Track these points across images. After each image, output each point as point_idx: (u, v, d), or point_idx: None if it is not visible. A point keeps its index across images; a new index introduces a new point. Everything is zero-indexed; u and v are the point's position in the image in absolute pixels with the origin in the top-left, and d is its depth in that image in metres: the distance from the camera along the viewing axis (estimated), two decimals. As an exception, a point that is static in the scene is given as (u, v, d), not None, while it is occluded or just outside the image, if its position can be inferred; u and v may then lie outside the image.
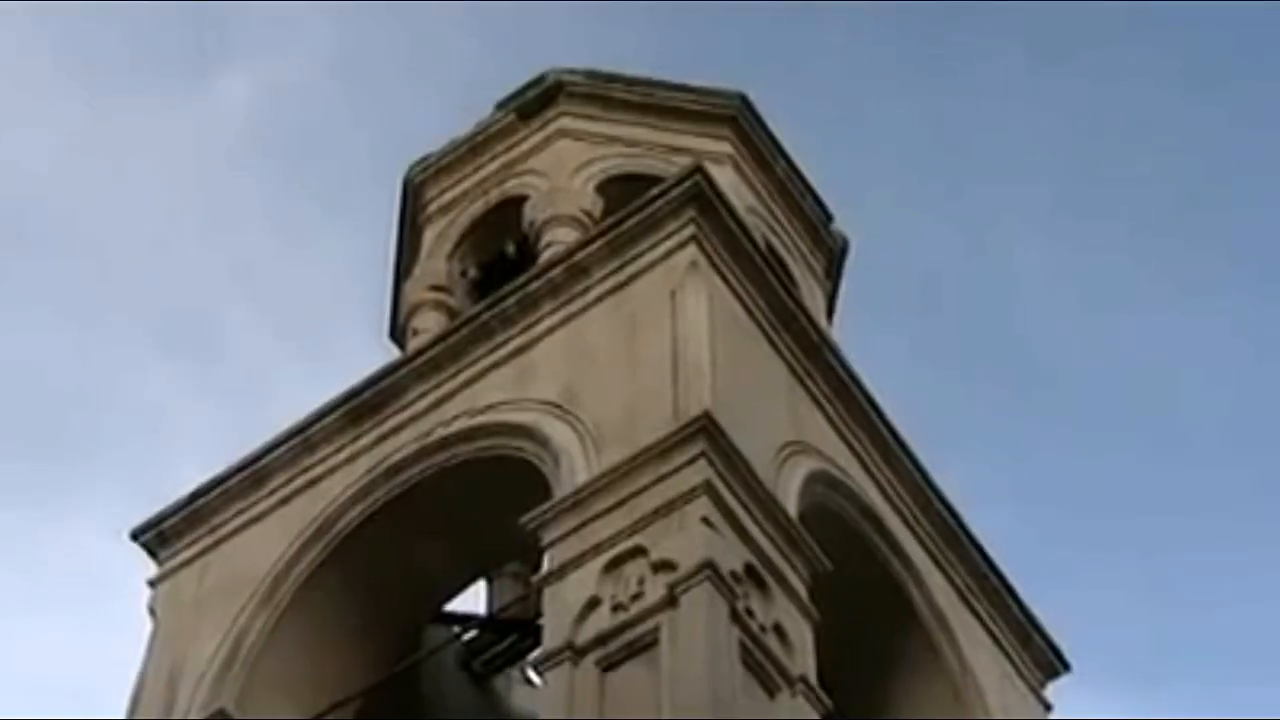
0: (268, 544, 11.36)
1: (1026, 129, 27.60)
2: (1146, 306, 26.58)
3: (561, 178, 13.37)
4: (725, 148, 13.62)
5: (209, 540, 11.78)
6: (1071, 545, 24.58)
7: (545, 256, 12.34)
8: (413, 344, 12.83)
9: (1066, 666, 12.18)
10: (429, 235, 13.97)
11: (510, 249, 13.45)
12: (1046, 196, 27.11)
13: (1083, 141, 27.56)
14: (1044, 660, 12.09)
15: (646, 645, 9.00)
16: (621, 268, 11.25)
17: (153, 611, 11.67)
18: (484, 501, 10.94)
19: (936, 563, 11.62)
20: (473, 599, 12.48)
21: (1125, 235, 27.13)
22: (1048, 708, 12.00)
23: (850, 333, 13.90)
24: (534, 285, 11.50)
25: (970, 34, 27.79)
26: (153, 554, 12.00)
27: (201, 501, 11.93)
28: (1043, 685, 12.10)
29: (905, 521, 11.56)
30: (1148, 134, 26.65)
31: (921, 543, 11.60)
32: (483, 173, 13.95)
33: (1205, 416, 25.99)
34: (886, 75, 28.07)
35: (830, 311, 14.01)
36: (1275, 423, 25.85)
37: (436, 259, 13.70)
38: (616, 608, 9.27)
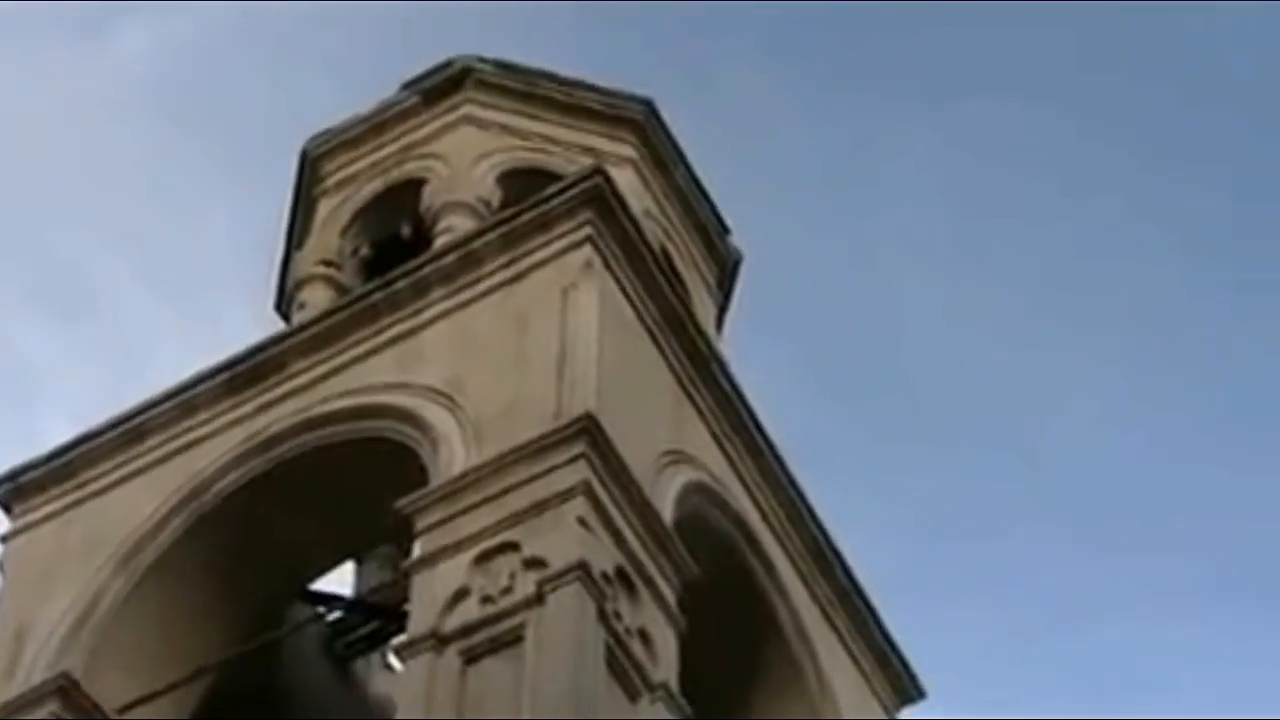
0: (135, 505, 11.20)
1: (926, 160, 27.93)
2: (1027, 341, 26.99)
3: (462, 164, 13.32)
4: (628, 151, 13.63)
5: (74, 497, 11.58)
6: (935, 571, 24.94)
7: (440, 242, 12.30)
8: (299, 317, 12.73)
9: (921, 693, 12.33)
10: (323, 209, 13.85)
11: (405, 231, 13.37)
12: (941, 227, 27.45)
13: (979, 175, 27.95)
14: (900, 684, 12.24)
15: (511, 640, 9.01)
16: (515, 261, 11.23)
17: (1, 567, 11.45)
18: (359, 482, 10.87)
19: (804, 580, 11.73)
20: (340, 580, 12.43)
21: (1014, 270, 27.55)
22: None
23: (738, 346, 14.00)
24: (426, 270, 11.46)
25: (877, 63, 28.07)
26: (7, 508, 11.77)
27: (68, 457, 11.73)
28: (897, 709, 12.26)
29: (776, 536, 11.66)
30: (1045, 169, 27.10)
31: (790, 559, 11.71)
32: (383, 152, 13.86)
33: (1074, 450, 26.48)
34: (794, 97, 28.27)
35: (720, 323, 14.08)
36: (1141, 453, 26.28)
37: (329, 234, 13.59)
38: (485, 600, 9.26)
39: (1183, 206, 26.84)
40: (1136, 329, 26.78)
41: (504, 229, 11.46)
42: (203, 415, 11.48)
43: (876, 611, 12.15)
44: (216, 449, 11.24)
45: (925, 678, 12.29)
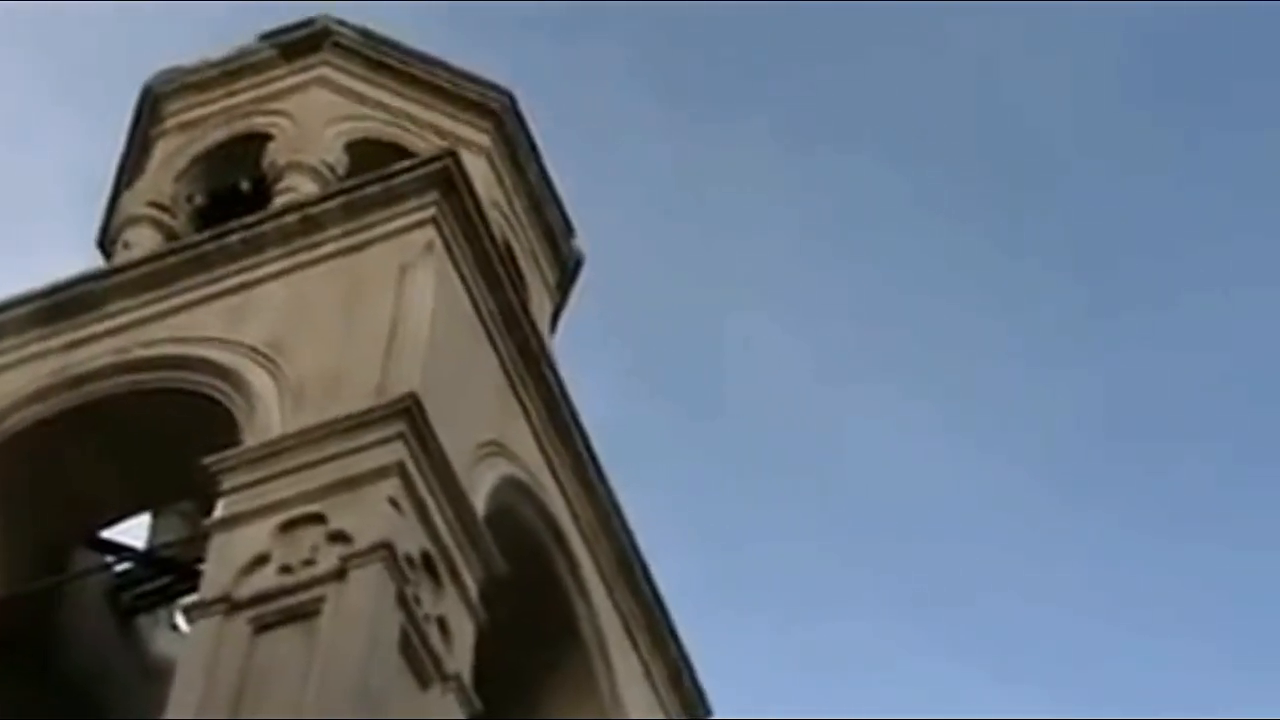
0: (-76, 429, 10.75)
1: (771, 190, 28.19)
2: (842, 369, 27.39)
3: (311, 126, 13.03)
4: (483, 140, 13.50)
5: None
6: (737, 596, 25.15)
7: (280, 201, 12.03)
8: (122, 256, 12.36)
9: (708, 712, 12.32)
10: (161, 150, 13.45)
11: (245, 185, 13.04)
12: (778, 254, 27.75)
13: (819, 208, 28.33)
14: (690, 703, 12.20)
15: (307, 613, 8.76)
16: (356, 231, 11.03)
17: None
18: (166, 433, 10.55)
19: (608, 588, 11.65)
20: (134, 532, 12.05)
21: (838, 301, 27.93)
22: None
23: (570, 348, 13.94)
24: (264, 227, 11.19)
25: (732, 91, 28.30)
26: None
27: None
28: (685, 728, 12.26)
29: (586, 541, 11.57)
30: (883, 211, 27.57)
31: (597, 565, 11.62)
32: (232, 101, 13.52)
33: (867, 481, 26.93)
34: (655, 112, 28.39)
35: (554, 323, 13.99)
36: (941, 490, 26.80)
37: (163, 176, 13.20)
38: (283, 570, 9.00)
39: (998, 247, 27.48)
40: (945, 365, 27.36)
41: (348, 197, 11.26)
42: (8, 343, 11.05)
43: (675, 628, 12.11)
44: (21, 378, 10.82)
45: (716, 694, 12.37)
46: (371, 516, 9.07)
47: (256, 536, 9.15)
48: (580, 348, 15.19)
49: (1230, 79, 27.08)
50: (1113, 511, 26.09)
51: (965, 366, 27.09)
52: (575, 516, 11.54)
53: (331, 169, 12.62)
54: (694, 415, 26.47)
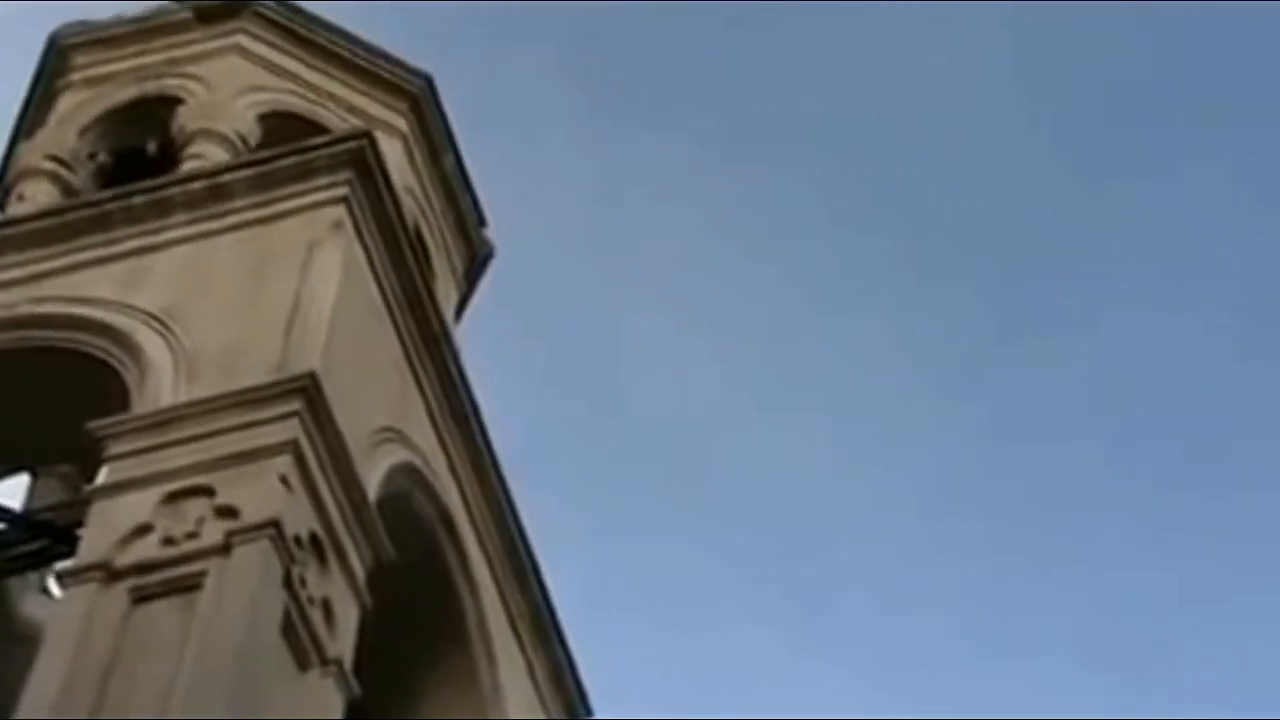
0: None
1: (685, 198, 28.20)
2: (735, 377, 27.48)
3: (226, 94, 12.76)
4: (400, 123, 13.31)
5: None
6: (623, 597, 25.14)
7: (188, 166, 11.77)
8: (15, 208, 12.03)
9: (589, 714, 12.17)
10: (64, 103, 13.09)
11: (151, 147, 12.73)
12: (686, 264, 27.79)
13: (729, 219, 28.38)
14: (571, 702, 12.06)
15: (187, 587, 8.51)
16: (265, 204, 10.82)
17: None
18: (52, 393, 10.23)
19: (497, 583, 11.49)
20: (10, 493, 11.70)
21: (738, 310, 27.99)
22: None
23: (474, 339, 13.79)
24: (170, 191, 10.93)
25: (655, 98, 28.31)
26: None
27: None
28: (564, 727, 12.12)
29: (478, 535, 11.40)
30: (794, 225, 27.71)
31: (488, 560, 11.45)
32: (143, 60, 13.19)
33: (744, 489, 27.01)
34: (576, 112, 28.32)
35: (460, 312, 13.81)
36: (823, 510, 26.91)
37: (66, 130, 12.84)
38: (166, 541, 8.75)
39: (905, 268, 27.70)
40: (840, 378, 27.54)
41: (259, 169, 11.06)
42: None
43: (560, 626, 11.98)
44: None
45: (598, 694, 12.27)
46: (261, 493, 8.86)
47: (140, 505, 8.89)
48: (484, 340, 15.06)
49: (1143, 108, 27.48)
50: (987, 528, 26.45)
51: (861, 381, 27.34)
52: (468, 508, 11.37)
53: (243, 139, 12.36)
54: (591, 415, 26.49)
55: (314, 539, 9.08)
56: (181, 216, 10.76)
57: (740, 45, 27.55)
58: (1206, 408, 26.67)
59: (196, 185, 10.91)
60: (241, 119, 12.54)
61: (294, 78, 13.11)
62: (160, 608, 8.47)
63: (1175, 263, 26.90)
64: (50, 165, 12.52)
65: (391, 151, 12.31)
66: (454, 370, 11.50)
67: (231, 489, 8.90)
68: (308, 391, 9.32)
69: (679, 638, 25.67)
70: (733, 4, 25.94)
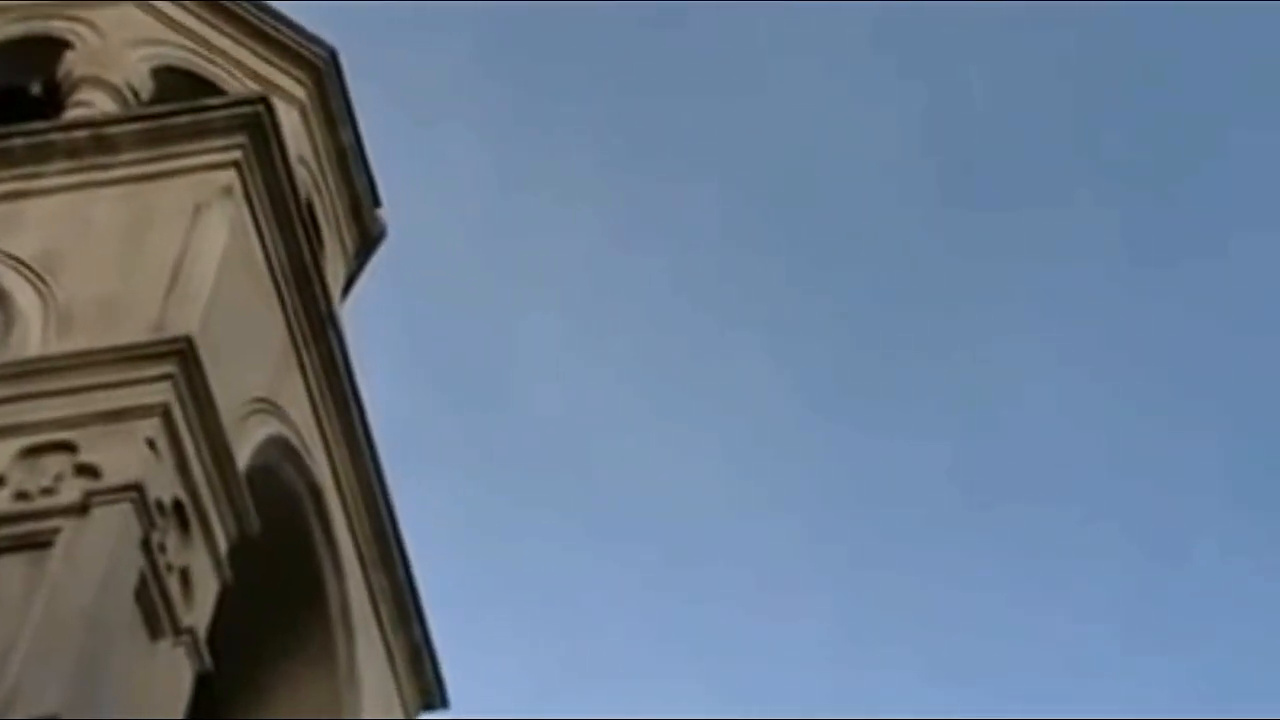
0: None
1: (585, 201, 28.08)
2: (637, 391, 27.45)
3: (118, 43, 12.34)
4: (300, 93, 12.99)
5: None
6: (494, 591, 24.95)
7: (75, 113, 11.43)
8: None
9: (445, 702, 12.05)
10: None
11: (35, 88, 12.33)
12: (580, 267, 27.65)
13: (627, 224, 28.34)
14: (427, 690, 11.89)
15: (38, 544, 8.27)
16: (154, 160, 10.56)
17: None
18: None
19: (363, 565, 11.30)
20: None
21: (635, 316, 27.94)
22: None
23: (361, 320, 13.54)
24: (53, 136, 10.62)
25: (565, 100, 28.16)
26: None
27: None
28: (418, 711, 11.90)
29: (347, 515, 11.18)
30: (690, 234, 27.68)
31: (355, 541, 11.24)
32: (34, -2, 12.76)
33: (630, 489, 27.00)
34: (484, 109, 28.05)
35: (347, 291, 13.52)
36: (700, 514, 26.97)
37: (-56, 63, 12.44)
38: (20, 495, 8.51)
39: (794, 284, 27.79)
40: (725, 387, 27.56)
41: (150, 124, 10.78)
42: None
43: (423, 612, 11.80)
44: None
45: (456, 685, 12.13)
46: (126, 455, 8.63)
47: (-3, 456, 8.58)
48: (371, 322, 14.81)
49: (1025, 147, 27.72)
50: (852, 545, 26.62)
51: (747, 392, 27.33)
52: (339, 488, 11.15)
53: (134, 91, 12.01)
54: (477, 410, 26.23)
55: (177, 506, 8.86)
56: (62, 164, 10.45)
57: (652, 54, 27.54)
58: (1043, 421, 26.93)
59: (81, 134, 10.60)
60: (134, 70, 12.17)
61: (193, 35, 12.76)
62: (8, 563, 8.19)
63: (1054, 298, 27.17)
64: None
65: (289, 120, 12.04)
66: (337, 350, 11.26)
67: (95, 448, 8.66)
68: (184, 355, 9.10)
69: (548, 637, 25.58)
70: (649, 12, 25.92)
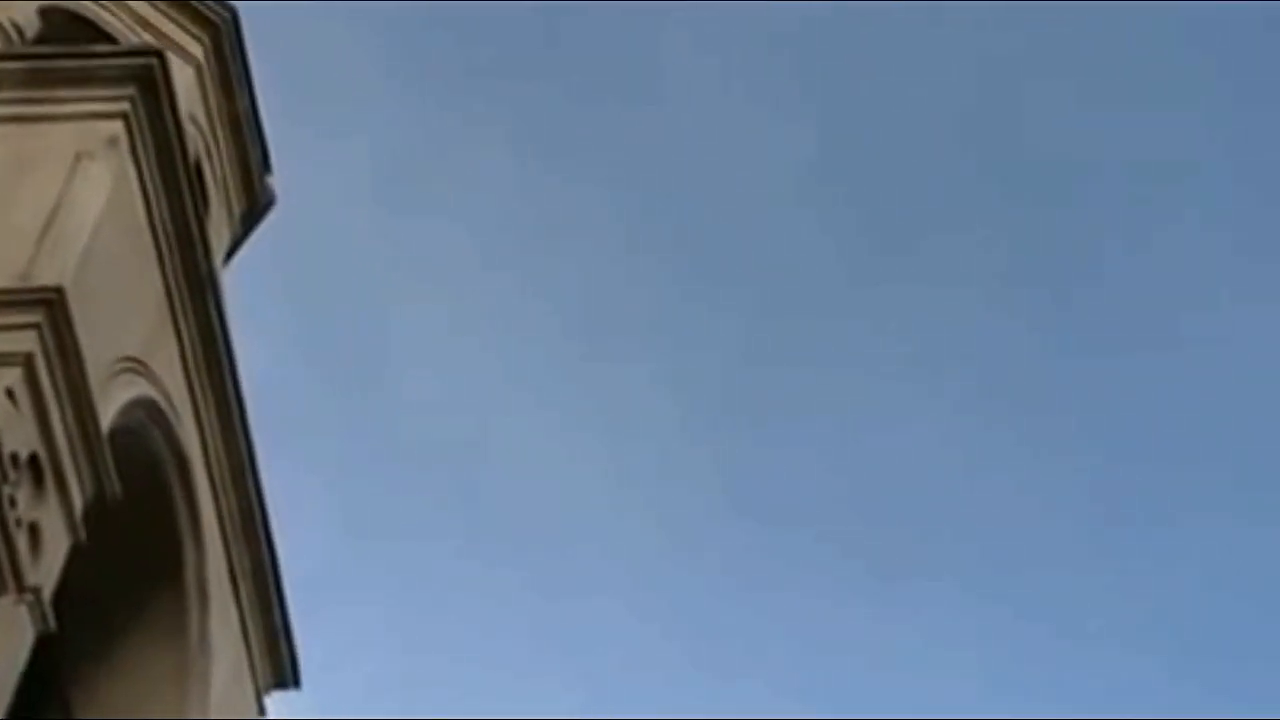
0: None
1: (483, 193, 27.79)
2: (516, 385, 27.21)
3: (7, -23, 11.92)
4: (197, 50, 12.61)
5: None
6: (358, 579, 24.62)
7: (-47, 48, 10.97)
8: None
9: (298, 683, 11.78)
10: None
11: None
12: (468, 260, 27.38)
13: (521, 219, 28.09)
14: (281, 670, 11.60)
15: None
16: (37, 102, 10.16)
17: None
18: None
19: (225, 540, 10.96)
20: None
21: (521, 312, 27.72)
22: (262, 712, 11.56)
23: (242, 289, 13.17)
24: (-72, 69, 10.15)
25: (477, 92, 27.89)
26: None
27: None
28: (269, 691, 11.61)
29: (213, 487, 10.82)
30: (584, 231, 27.52)
31: (220, 514, 10.89)
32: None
33: (509, 483, 26.80)
34: (393, 90, 27.61)
35: (230, 256, 13.13)
36: (571, 511, 26.81)
37: None
38: None
39: (678, 288, 27.77)
40: (604, 385, 27.44)
41: (34, 64, 10.41)
42: None
43: (284, 594, 11.50)
44: None
45: (311, 668, 11.89)
46: (-19, 403, 8.22)
47: None
48: (253, 293, 14.42)
49: (920, 171, 27.89)
50: (724, 552, 26.67)
51: (630, 395, 27.25)
52: (207, 459, 10.78)
53: (19, 30, 11.56)
54: (351, 392, 25.81)
55: (33, 460, 8.54)
56: (-63, 98, 9.98)
57: (563, 54, 27.27)
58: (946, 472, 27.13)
59: (-43, 69, 10.13)
60: (19, 7, 11.72)
61: (89, -20, 12.32)
62: None
63: (937, 321, 27.35)
64: None
65: (183, 78, 11.67)
66: (215, 316, 10.89)
67: (-50, 390, 8.25)
68: (52, 306, 8.78)
69: (413, 626, 25.29)
70: (557, 11, 25.69)
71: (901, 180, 26.99)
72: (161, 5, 12.55)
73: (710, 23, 25.94)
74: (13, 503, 8.19)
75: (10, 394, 8.39)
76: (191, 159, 11.34)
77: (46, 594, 8.40)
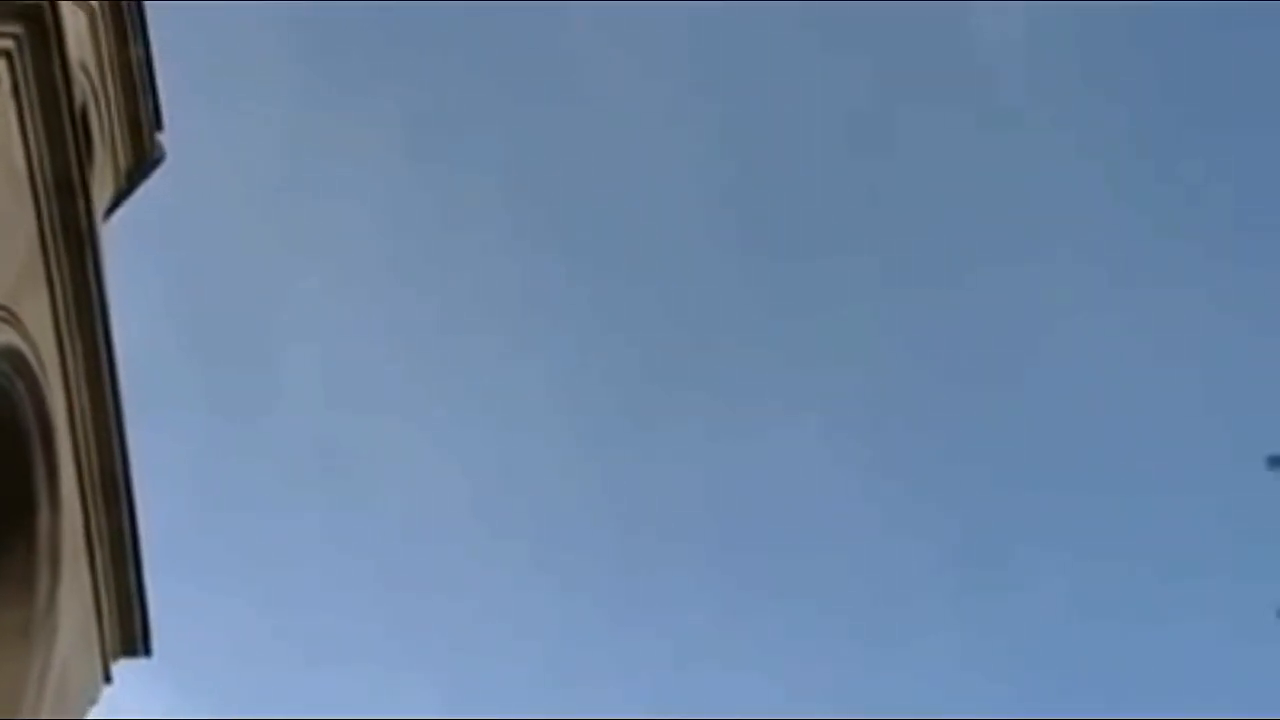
0: None
1: (376, 175, 27.36)
2: (409, 375, 26.81)
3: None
4: (91, -3, 12.08)
5: None
6: (215, 553, 24.09)
7: None
8: None
9: (148, 652, 11.42)
10: None
11: None
12: (359, 247, 26.93)
13: (414, 206, 27.69)
14: (130, 638, 11.19)
15: None
16: (-86, 34, 9.60)
17: None
18: None
19: (85, 503, 10.52)
20: None
21: (413, 310, 27.28)
22: (109, 679, 11.20)
23: (122, 246, 12.64)
24: None
25: (372, 74, 27.41)
26: None
27: None
28: (117, 657, 11.22)
29: (75, 449, 10.33)
30: (471, 227, 27.16)
31: (81, 477, 10.43)
32: None
33: (383, 485, 26.42)
34: (288, 66, 27.07)
35: (113, 211, 12.59)
36: (441, 509, 26.47)
37: None
38: None
39: (576, 279, 27.48)
40: (483, 382, 27.08)
41: (-87, -7, 9.76)
42: None
43: (141, 562, 11.08)
44: None
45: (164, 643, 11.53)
46: None
47: None
48: (134, 250, 13.86)
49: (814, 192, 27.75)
50: (600, 559, 26.74)
51: (516, 393, 26.92)
52: (72, 418, 10.35)
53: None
54: (226, 365, 25.24)
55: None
56: None
57: (461, 40, 26.84)
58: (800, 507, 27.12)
59: None
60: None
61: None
62: None
63: (823, 347, 27.34)
64: None
65: (74, 23, 11.20)
66: (91, 272, 10.42)
67: None
68: (-86, 245, 8.20)
69: (269, 607, 24.83)
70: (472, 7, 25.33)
71: (792, 187, 26.91)
72: (61, -54, 12.03)
73: (619, 19, 25.74)
74: None
75: None
76: (78, 105, 10.86)
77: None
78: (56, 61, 9.98)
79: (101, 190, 11.93)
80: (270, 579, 25.28)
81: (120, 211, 12.82)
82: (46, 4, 9.92)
